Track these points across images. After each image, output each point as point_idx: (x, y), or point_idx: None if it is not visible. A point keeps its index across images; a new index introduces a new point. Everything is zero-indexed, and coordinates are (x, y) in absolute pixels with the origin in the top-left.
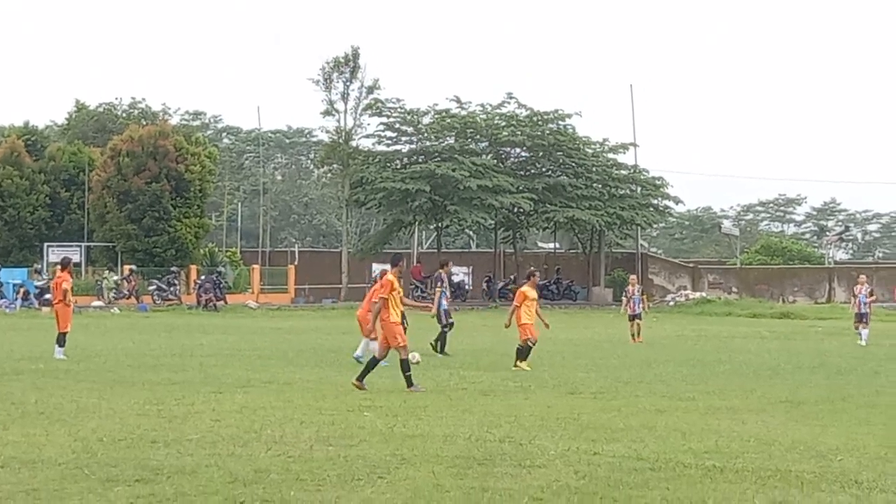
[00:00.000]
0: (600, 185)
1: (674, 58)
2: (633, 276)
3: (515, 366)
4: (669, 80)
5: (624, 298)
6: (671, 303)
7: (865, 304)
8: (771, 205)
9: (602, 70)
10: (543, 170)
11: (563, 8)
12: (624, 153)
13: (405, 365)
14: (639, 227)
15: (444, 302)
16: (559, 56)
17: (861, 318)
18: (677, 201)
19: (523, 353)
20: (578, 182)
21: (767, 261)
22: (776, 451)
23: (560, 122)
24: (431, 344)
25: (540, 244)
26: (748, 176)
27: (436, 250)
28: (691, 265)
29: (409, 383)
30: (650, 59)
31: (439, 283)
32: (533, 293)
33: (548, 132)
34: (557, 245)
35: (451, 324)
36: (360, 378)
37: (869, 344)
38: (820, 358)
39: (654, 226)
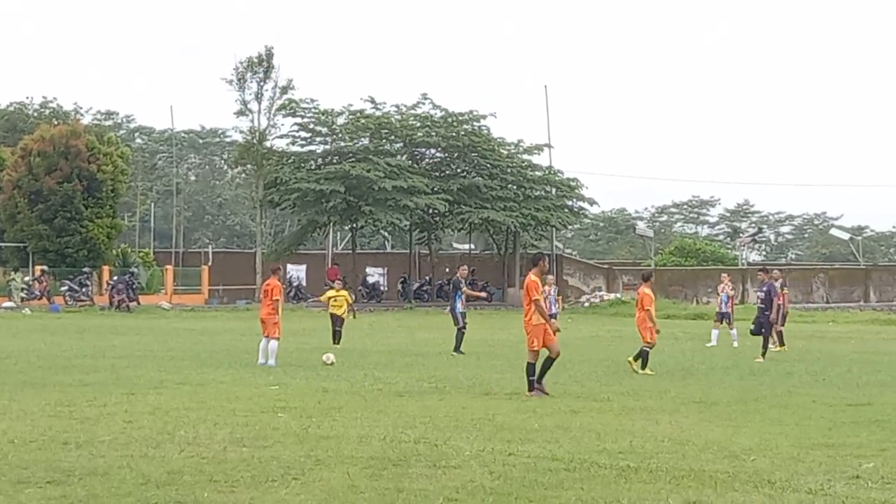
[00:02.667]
0: (515, 187)
1: (588, 59)
2: (549, 277)
3: (643, 370)
4: (583, 82)
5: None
6: (586, 304)
7: (726, 303)
8: (685, 206)
9: (516, 71)
10: (458, 171)
11: (477, 8)
12: (539, 154)
13: (530, 369)
14: (553, 229)
15: (459, 304)
16: (474, 57)
17: (723, 318)
18: (592, 203)
19: (645, 356)
20: (493, 183)
21: (681, 262)
22: (690, 451)
23: (475, 123)
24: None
25: (455, 245)
26: (662, 177)
27: (350, 251)
28: (606, 266)
29: (531, 387)
30: (564, 61)
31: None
32: None
33: (462, 133)
34: (472, 246)
35: (466, 325)
36: (539, 381)
37: (726, 347)
38: (733, 359)
39: (569, 227)
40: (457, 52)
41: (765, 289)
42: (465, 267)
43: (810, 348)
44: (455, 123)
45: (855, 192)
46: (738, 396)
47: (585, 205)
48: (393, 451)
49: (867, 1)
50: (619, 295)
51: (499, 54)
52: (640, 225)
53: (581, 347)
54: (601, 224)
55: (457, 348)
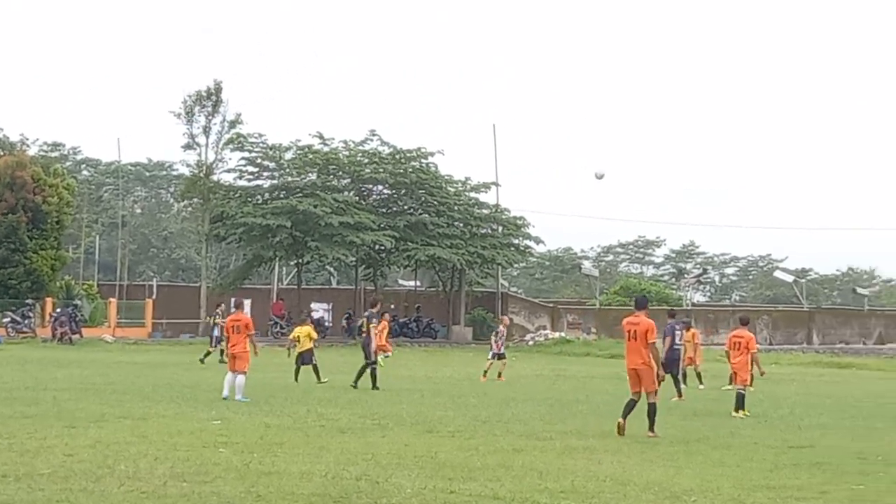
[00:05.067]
0: (462, 224)
1: (535, 98)
2: (505, 317)
3: (736, 414)
4: (531, 121)
5: (494, 336)
6: (530, 342)
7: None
8: (630, 246)
9: (465, 109)
10: (405, 208)
11: (426, 46)
12: (486, 192)
13: (652, 408)
14: (499, 267)
15: (373, 339)
16: (422, 94)
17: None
18: (538, 241)
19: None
20: (440, 220)
21: (626, 302)
22: (631, 491)
23: (422, 161)
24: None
25: (401, 282)
26: (608, 217)
27: (296, 286)
28: (551, 305)
29: (651, 428)
30: (512, 100)
31: (371, 321)
32: None
33: (410, 170)
34: (418, 283)
35: (375, 360)
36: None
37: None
38: (676, 400)
39: (515, 265)
40: (405, 89)
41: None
42: (380, 303)
43: (753, 390)
44: (403, 160)
45: (799, 235)
46: (680, 437)
47: (531, 243)
48: (334, 487)
49: (813, 48)
50: (563, 334)
51: (447, 92)
52: (586, 264)
53: (525, 386)
54: (547, 263)
55: (373, 384)
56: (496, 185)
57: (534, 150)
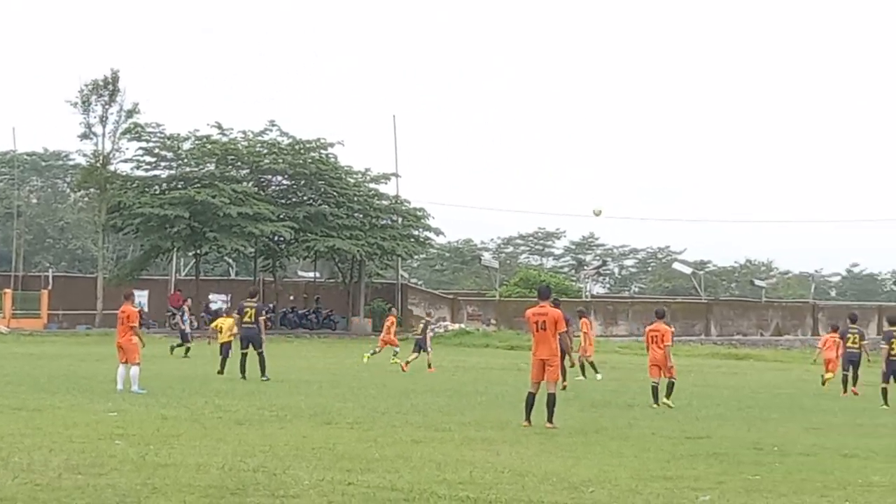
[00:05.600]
0: (361, 215)
1: (435, 89)
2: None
3: (666, 401)
4: (431, 112)
5: (429, 330)
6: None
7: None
8: (530, 238)
9: (365, 100)
10: (305, 198)
11: (326, 36)
12: (386, 183)
13: (552, 399)
14: (399, 258)
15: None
16: (322, 85)
17: None
18: (438, 233)
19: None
20: (340, 211)
21: (526, 293)
22: (529, 482)
23: (322, 151)
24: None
25: (300, 273)
26: (508, 209)
27: (194, 277)
28: (451, 296)
29: (550, 419)
30: (412, 90)
31: (260, 313)
32: None
33: (310, 160)
34: (317, 274)
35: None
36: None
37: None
38: (575, 390)
39: (415, 257)
40: (305, 79)
41: None
42: (258, 294)
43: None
44: (302, 151)
45: (697, 228)
46: (578, 428)
47: (431, 235)
48: (231, 479)
49: (726, 45)
50: (463, 325)
51: (347, 83)
52: (486, 256)
53: (424, 377)
54: (447, 254)
55: (263, 373)
56: (396, 175)
57: (434, 141)
